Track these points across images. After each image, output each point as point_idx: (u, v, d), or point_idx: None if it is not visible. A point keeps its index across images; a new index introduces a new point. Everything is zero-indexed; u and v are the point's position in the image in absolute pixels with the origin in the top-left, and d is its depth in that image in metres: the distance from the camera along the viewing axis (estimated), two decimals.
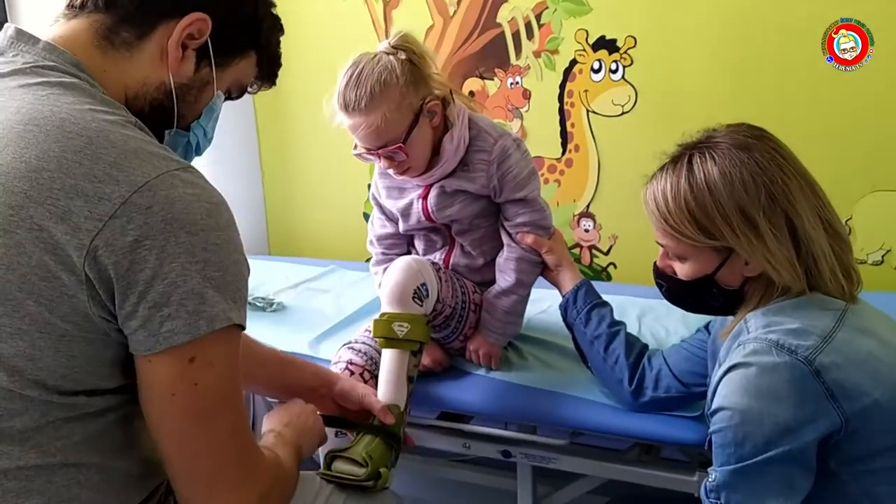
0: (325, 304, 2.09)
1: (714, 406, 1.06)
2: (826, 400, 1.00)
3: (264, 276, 2.27)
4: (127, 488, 0.93)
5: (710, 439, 1.09)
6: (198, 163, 1.04)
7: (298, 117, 2.70)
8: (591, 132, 2.27)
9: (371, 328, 1.59)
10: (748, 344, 1.05)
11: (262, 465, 0.98)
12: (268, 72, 1.12)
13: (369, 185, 1.66)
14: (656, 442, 1.48)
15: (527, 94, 2.32)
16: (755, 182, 1.07)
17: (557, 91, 2.28)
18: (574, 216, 2.35)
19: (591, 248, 2.36)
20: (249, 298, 2.13)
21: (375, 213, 1.72)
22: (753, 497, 1.02)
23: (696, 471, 1.46)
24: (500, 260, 1.60)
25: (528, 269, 1.58)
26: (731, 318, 1.20)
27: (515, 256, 1.57)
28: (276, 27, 1.11)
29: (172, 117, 1.01)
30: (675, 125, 1.21)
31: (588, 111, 2.25)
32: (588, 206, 2.33)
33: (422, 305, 1.45)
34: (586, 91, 2.24)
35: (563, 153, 2.32)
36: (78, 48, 0.94)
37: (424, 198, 1.58)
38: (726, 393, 1.04)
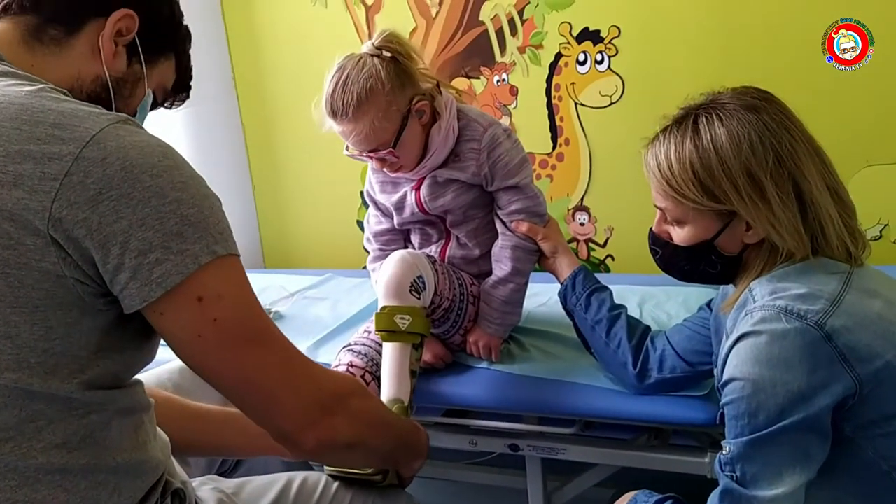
0: (322, 311, 2.07)
1: (725, 377, 1.04)
2: (839, 364, 0.97)
3: (261, 289, 2.25)
4: (118, 490, 0.90)
5: (722, 413, 1.07)
6: None
7: (286, 129, 2.69)
8: (581, 125, 2.26)
9: (370, 328, 1.58)
10: (755, 312, 1.02)
11: (322, 374, 1.01)
12: (182, 80, 1.16)
13: (362, 193, 1.65)
14: (665, 424, 1.46)
15: (514, 91, 2.32)
16: (763, 144, 1.04)
17: (544, 86, 2.27)
18: (568, 210, 2.34)
19: (587, 241, 2.34)
20: None
21: (371, 210, 1.70)
22: (769, 467, 1.00)
23: (708, 451, 1.43)
24: (495, 249, 1.58)
25: (524, 257, 1.56)
26: (731, 290, 1.18)
27: (511, 245, 1.55)
28: (188, 36, 1.14)
29: (111, 110, 1.02)
30: (665, 113, 1.17)
31: (576, 104, 2.25)
32: (582, 200, 2.32)
33: (419, 298, 1.43)
34: (573, 84, 2.23)
35: (554, 147, 2.31)
36: (3, 45, 0.95)
37: (417, 189, 1.57)
38: (737, 363, 1.02)
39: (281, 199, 2.78)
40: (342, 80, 1.43)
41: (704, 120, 1.08)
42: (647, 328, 1.47)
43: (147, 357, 0.97)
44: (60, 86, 0.94)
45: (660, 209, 1.17)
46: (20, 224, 0.80)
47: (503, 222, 1.56)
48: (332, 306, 2.09)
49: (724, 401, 1.04)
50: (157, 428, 1.04)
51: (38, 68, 0.95)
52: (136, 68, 1.05)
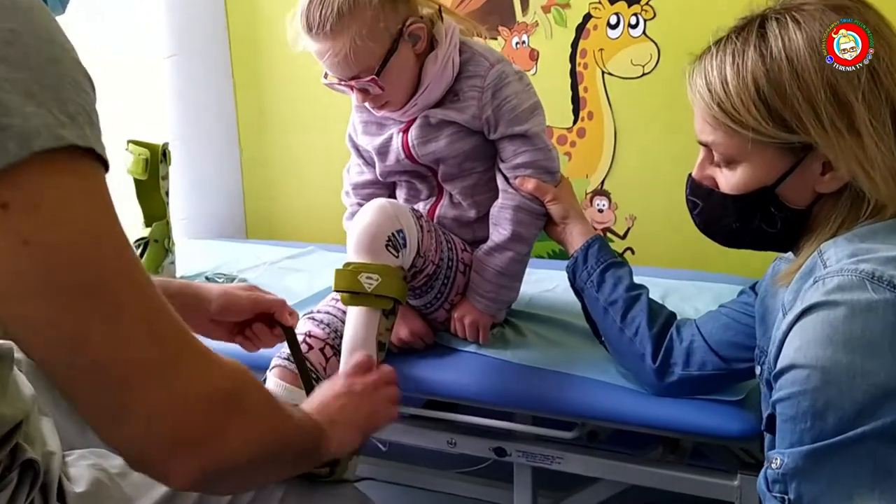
0: (296, 282, 1.83)
1: (781, 364, 0.77)
2: None
3: (234, 258, 2.03)
4: None
5: (771, 414, 0.80)
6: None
7: (280, 95, 2.45)
8: (607, 97, 2.00)
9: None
10: (829, 278, 0.76)
11: (202, 355, 0.67)
12: None
13: None
14: (687, 434, 1.20)
15: (534, 55, 2.07)
16: None
17: (569, 50, 2.02)
18: (586, 194, 2.08)
19: (605, 230, 2.08)
20: (208, 274, 1.89)
21: (353, 158, 1.46)
22: (836, 487, 0.73)
23: (739, 472, 1.16)
24: (493, 210, 1.32)
25: (528, 220, 1.30)
26: (785, 265, 0.91)
27: (513, 205, 1.29)
28: None
29: None
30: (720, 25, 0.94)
31: (603, 73, 1.99)
32: (602, 183, 2.06)
33: (397, 256, 1.17)
34: (602, 50, 1.98)
35: (575, 121, 2.05)
36: None
37: (405, 131, 1.31)
38: (800, 344, 0.75)
39: (268, 166, 2.55)
40: None
41: (775, 24, 0.83)
42: (673, 314, 1.21)
43: None
44: None
45: (705, 146, 0.91)
46: None
47: (505, 177, 1.31)
48: (308, 278, 1.85)
49: (777, 395, 0.78)
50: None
51: None
52: None
